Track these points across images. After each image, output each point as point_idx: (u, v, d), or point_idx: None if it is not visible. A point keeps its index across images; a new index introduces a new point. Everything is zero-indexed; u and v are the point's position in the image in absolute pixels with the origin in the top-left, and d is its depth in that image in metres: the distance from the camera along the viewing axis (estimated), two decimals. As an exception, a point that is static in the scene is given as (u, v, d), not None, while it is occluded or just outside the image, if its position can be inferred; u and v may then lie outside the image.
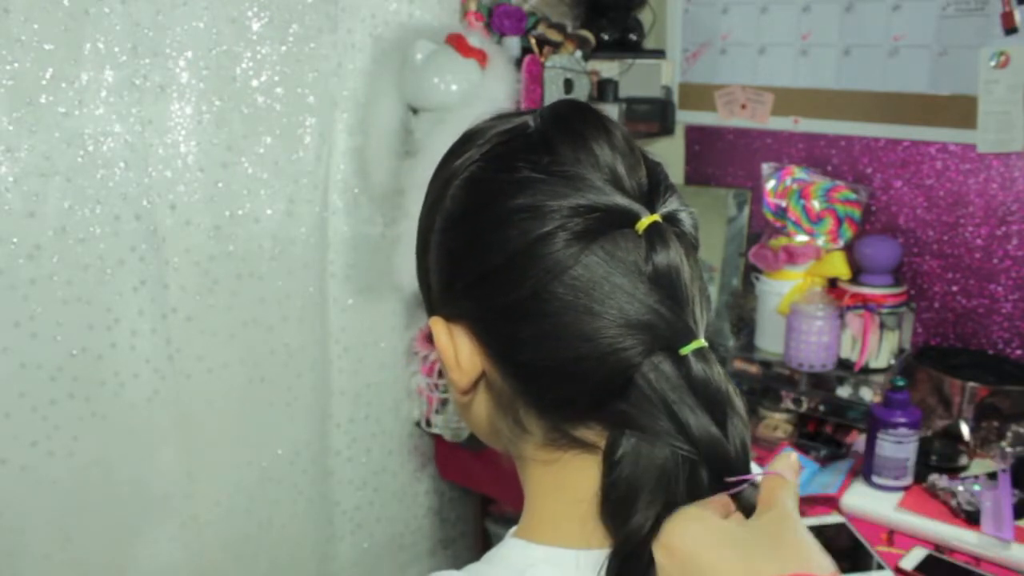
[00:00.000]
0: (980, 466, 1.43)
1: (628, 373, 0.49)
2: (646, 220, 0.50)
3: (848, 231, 1.68)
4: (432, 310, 0.58)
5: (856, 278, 1.66)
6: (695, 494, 0.49)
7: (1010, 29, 1.53)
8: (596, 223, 0.49)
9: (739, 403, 0.51)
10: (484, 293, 0.52)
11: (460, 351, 0.55)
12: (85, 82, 1.29)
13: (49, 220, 1.30)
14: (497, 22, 1.71)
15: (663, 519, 0.48)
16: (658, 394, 0.49)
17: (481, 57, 1.55)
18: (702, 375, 0.49)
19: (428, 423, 1.83)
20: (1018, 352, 1.62)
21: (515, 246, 0.50)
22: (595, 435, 0.52)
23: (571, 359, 0.50)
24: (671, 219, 0.52)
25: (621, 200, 0.50)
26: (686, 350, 0.49)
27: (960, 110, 1.60)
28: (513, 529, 0.58)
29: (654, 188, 0.52)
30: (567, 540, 0.53)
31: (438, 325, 0.56)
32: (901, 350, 1.65)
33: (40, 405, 1.33)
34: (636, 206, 0.50)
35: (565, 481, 0.54)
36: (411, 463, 1.91)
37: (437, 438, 1.86)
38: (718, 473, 0.49)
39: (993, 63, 1.55)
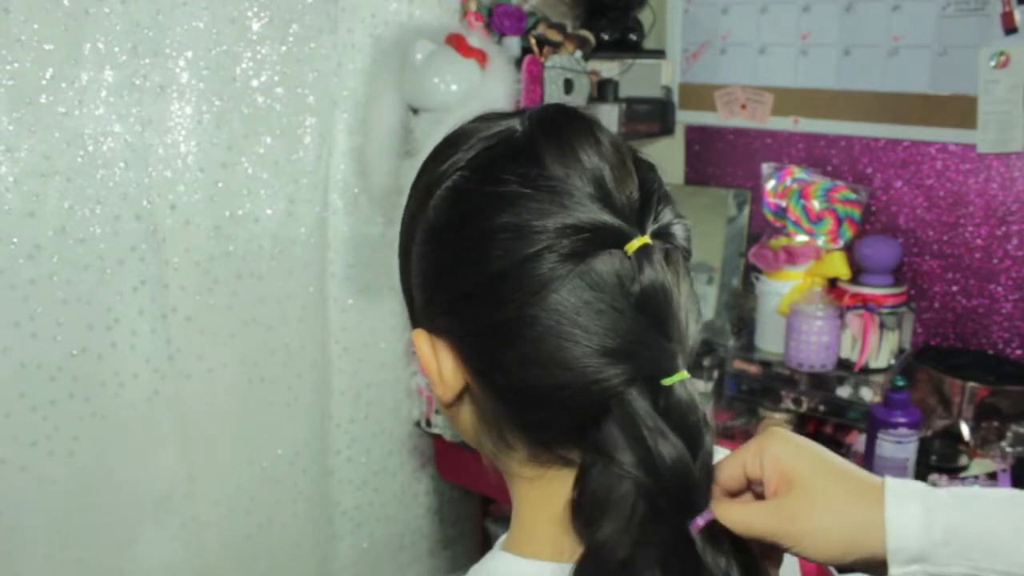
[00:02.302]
0: (980, 466, 1.43)
1: (607, 403, 0.49)
2: (635, 242, 0.48)
3: (848, 231, 1.68)
4: (415, 322, 0.56)
5: (856, 278, 1.66)
6: (655, 516, 0.49)
7: (1010, 29, 1.53)
8: (583, 244, 0.47)
9: (711, 428, 0.51)
10: (466, 312, 0.51)
11: (443, 365, 0.53)
12: (85, 82, 1.29)
13: (49, 220, 1.30)
14: (497, 22, 1.71)
15: (625, 536, 0.48)
16: (629, 425, 0.48)
17: (481, 57, 1.55)
18: (681, 405, 0.48)
19: (428, 423, 1.83)
20: (1018, 352, 1.62)
21: (499, 267, 0.48)
22: (577, 453, 0.52)
23: (552, 386, 0.49)
24: (662, 235, 0.50)
25: (609, 219, 0.48)
26: (668, 381, 0.48)
27: (960, 110, 1.60)
28: (500, 541, 0.58)
29: (645, 202, 0.50)
30: (552, 554, 0.53)
31: (421, 338, 0.54)
32: (901, 350, 1.65)
33: (40, 405, 1.33)
34: (625, 226, 0.48)
35: (549, 497, 0.54)
36: (411, 463, 1.91)
37: (437, 438, 1.86)
38: (680, 499, 0.49)
39: (993, 63, 1.55)
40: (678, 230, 0.52)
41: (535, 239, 0.47)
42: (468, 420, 0.56)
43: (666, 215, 0.51)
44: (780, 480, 0.52)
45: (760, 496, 0.53)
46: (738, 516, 0.51)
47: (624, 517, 0.49)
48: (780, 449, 0.53)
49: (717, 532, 0.50)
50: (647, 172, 0.52)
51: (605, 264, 0.48)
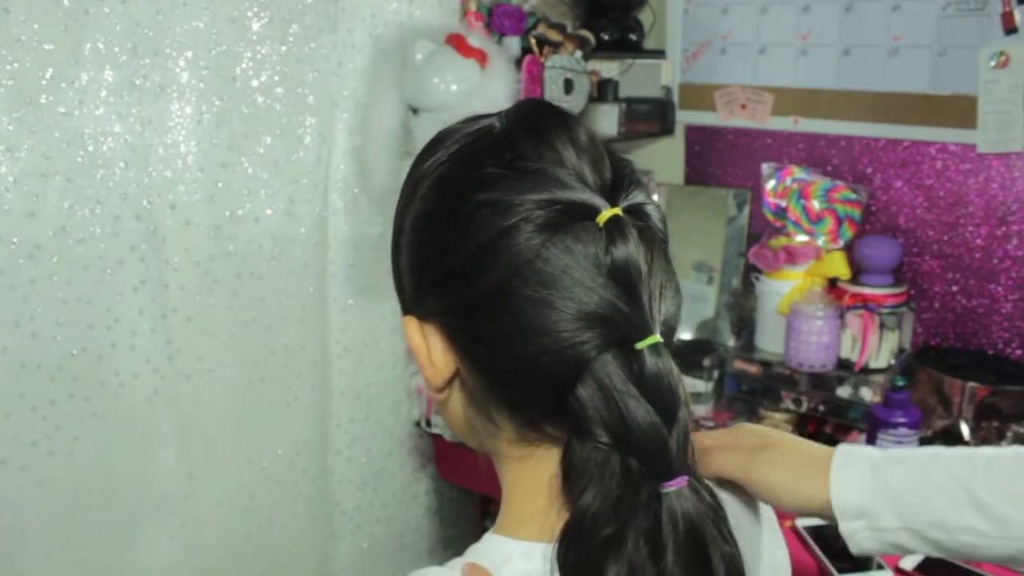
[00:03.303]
0: (980, 466, 1.43)
1: (582, 370, 0.50)
2: (607, 213, 0.50)
3: (848, 231, 1.68)
4: (406, 310, 0.59)
5: (856, 278, 1.66)
6: (632, 480, 0.50)
7: (1010, 29, 1.53)
8: (557, 216, 0.50)
9: (687, 397, 0.52)
10: (451, 290, 0.53)
11: (433, 350, 0.56)
12: (85, 82, 1.29)
13: (49, 220, 1.30)
14: (497, 22, 1.71)
15: (607, 502, 0.50)
16: (602, 388, 0.50)
17: (481, 57, 1.55)
18: (655, 370, 0.50)
19: (428, 423, 1.83)
20: (1018, 352, 1.62)
21: (479, 241, 0.51)
22: (562, 430, 0.53)
23: (531, 354, 0.50)
24: (636, 212, 0.53)
25: (582, 194, 0.51)
26: (641, 345, 0.50)
27: (960, 110, 1.60)
28: (492, 527, 0.59)
29: (618, 182, 0.53)
30: (541, 533, 0.54)
31: (411, 325, 0.57)
32: (901, 350, 1.65)
33: (40, 405, 1.33)
34: (597, 199, 0.51)
35: (537, 476, 0.55)
36: (411, 463, 1.91)
37: (437, 438, 1.86)
38: (653, 462, 0.50)
39: (993, 63, 1.55)
40: (652, 211, 0.54)
41: (512, 212, 0.50)
42: (458, 406, 0.58)
43: (638, 195, 0.53)
44: (756, 442, 0.66)
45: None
46: (715, 462, 0.65)
47: (605, 483, 0.50)
48: (756, 427, 0.68)
49: (693, 492, 0.51)
50: (620, 161, 0.55)
51: (579, 235, 0.50)
